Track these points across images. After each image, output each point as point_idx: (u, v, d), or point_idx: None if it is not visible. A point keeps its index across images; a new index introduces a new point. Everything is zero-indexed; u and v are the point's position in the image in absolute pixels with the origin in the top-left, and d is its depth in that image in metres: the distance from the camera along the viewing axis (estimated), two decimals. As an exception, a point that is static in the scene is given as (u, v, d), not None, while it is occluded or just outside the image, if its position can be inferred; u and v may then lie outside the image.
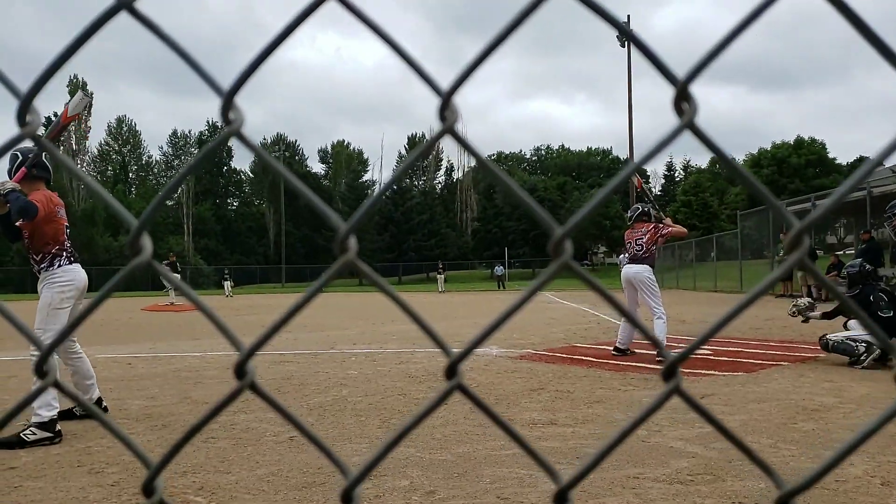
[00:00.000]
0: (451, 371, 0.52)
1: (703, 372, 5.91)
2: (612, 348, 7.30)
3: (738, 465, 3.08)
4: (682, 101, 0.47)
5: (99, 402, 4.42)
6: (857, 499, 2.68)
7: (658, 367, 6.20)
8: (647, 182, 77.74)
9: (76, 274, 4.11)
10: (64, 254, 4.09)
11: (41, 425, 3.73)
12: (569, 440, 3.64)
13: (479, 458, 3.31)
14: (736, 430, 3.66)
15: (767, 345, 7.88)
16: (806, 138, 55.78)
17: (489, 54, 0.47)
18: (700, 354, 7.17)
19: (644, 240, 7.11)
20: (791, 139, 55.99)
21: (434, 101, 0.50)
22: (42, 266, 4.03)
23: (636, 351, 7.18)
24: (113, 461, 3.36)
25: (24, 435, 3.66)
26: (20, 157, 3.98)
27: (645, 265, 7.08)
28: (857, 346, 6.11)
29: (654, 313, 6.90)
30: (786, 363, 6.36)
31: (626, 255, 7.34)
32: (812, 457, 3.26)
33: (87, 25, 0.50)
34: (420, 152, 0.56)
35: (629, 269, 7.14)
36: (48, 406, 3.75)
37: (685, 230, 7.49)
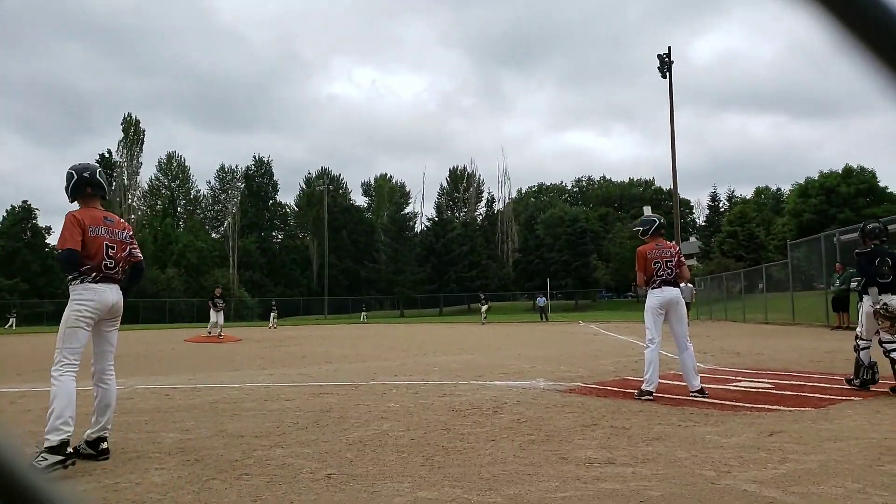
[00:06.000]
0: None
1: (767, 407, 5.48)
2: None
3: (825, 514, 2.73)
4: None
5: (99, 441, 4.02)
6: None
7: (717, 401, 5.79)
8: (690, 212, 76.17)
9: (98, 293, 4.03)
10: (94, 273, 4.03)
11: (51, 450, 3.63)
12: (629, 481, 3.32)
13: (532, 501, 3.03)
14: (815, 472, 3.27)
15: (831, 378, 7.35)
16: (855, 167, 53.90)
17: None
18: (761, 388, 6.72)
19: (674, 262, 6.22)
20: (839, 168, 54.15)
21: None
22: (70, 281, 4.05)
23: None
24: (140, 499, 3.18)
25: (35, 462, 3.55)
26: (75, 177, 4.11)
27: (678, 289, 6.28)
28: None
29: (687, 342, 6.14)
30: (856, 398, 5.88)
31: (656, 277, 6.19)
32: (910, 505, 2.88)
33: None
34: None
35: (673, 292, 6.18)
36: (57, 431, 3.67)
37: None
